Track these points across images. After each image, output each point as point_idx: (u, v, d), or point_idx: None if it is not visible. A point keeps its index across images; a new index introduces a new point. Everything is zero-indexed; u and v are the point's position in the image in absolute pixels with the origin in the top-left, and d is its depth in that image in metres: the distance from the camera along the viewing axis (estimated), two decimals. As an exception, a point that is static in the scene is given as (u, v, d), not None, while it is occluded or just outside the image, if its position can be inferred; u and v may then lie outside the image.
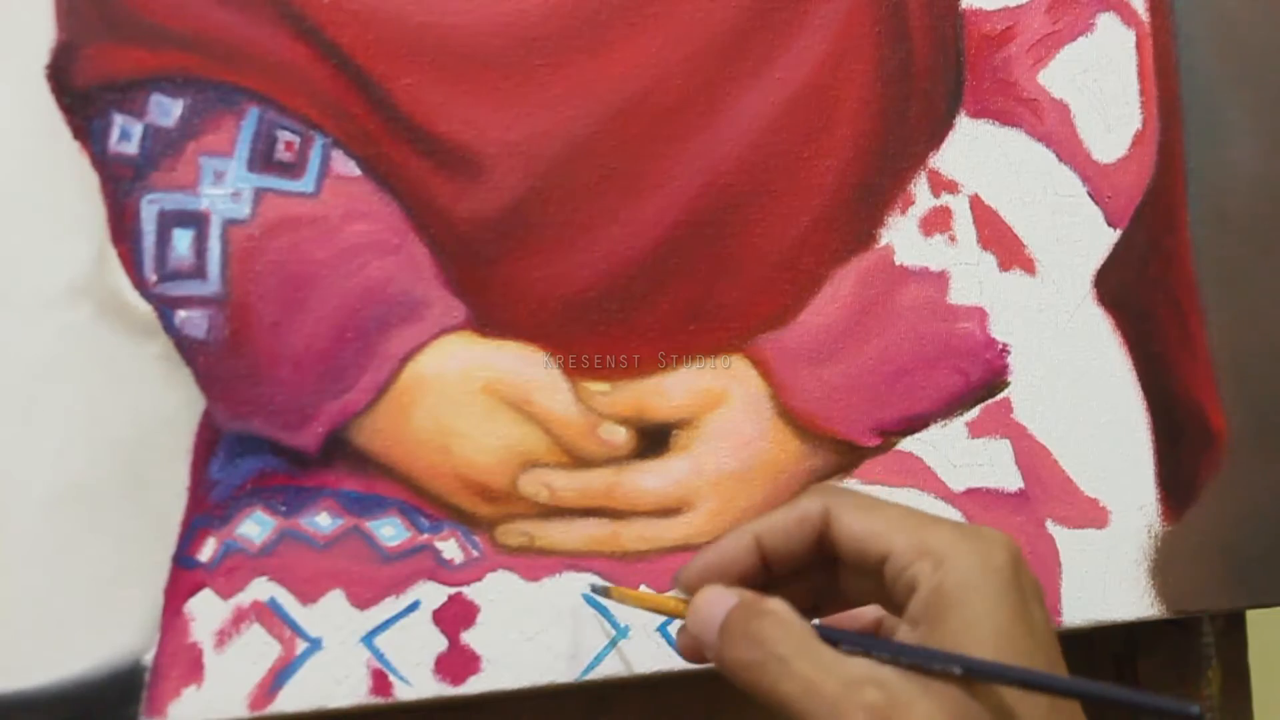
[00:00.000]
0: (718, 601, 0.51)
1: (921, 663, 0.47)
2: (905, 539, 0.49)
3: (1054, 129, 0.70)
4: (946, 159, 0.69)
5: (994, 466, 0.69)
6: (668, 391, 0.65)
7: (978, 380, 0.69)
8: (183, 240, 0.61)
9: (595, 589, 0.62)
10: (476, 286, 0.63)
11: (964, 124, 0.69)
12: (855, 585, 0.52)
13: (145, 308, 0.60)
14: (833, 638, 0.49)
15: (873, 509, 0.51)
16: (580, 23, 0.65)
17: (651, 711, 0.68)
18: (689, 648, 0.53)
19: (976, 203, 0.69)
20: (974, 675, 0.46)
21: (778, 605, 0.50)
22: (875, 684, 0.46)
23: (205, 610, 0.60)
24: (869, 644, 0.49)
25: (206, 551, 0.60)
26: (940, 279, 0.68)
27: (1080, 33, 0.71)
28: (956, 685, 0.46)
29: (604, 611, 0.63)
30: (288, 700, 0.60)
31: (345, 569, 0.61)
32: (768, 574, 0.53)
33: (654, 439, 0.65)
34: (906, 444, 0.68)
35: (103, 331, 0.60)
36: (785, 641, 0.48)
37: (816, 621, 0.51)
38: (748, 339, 0.66)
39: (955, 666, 0.46)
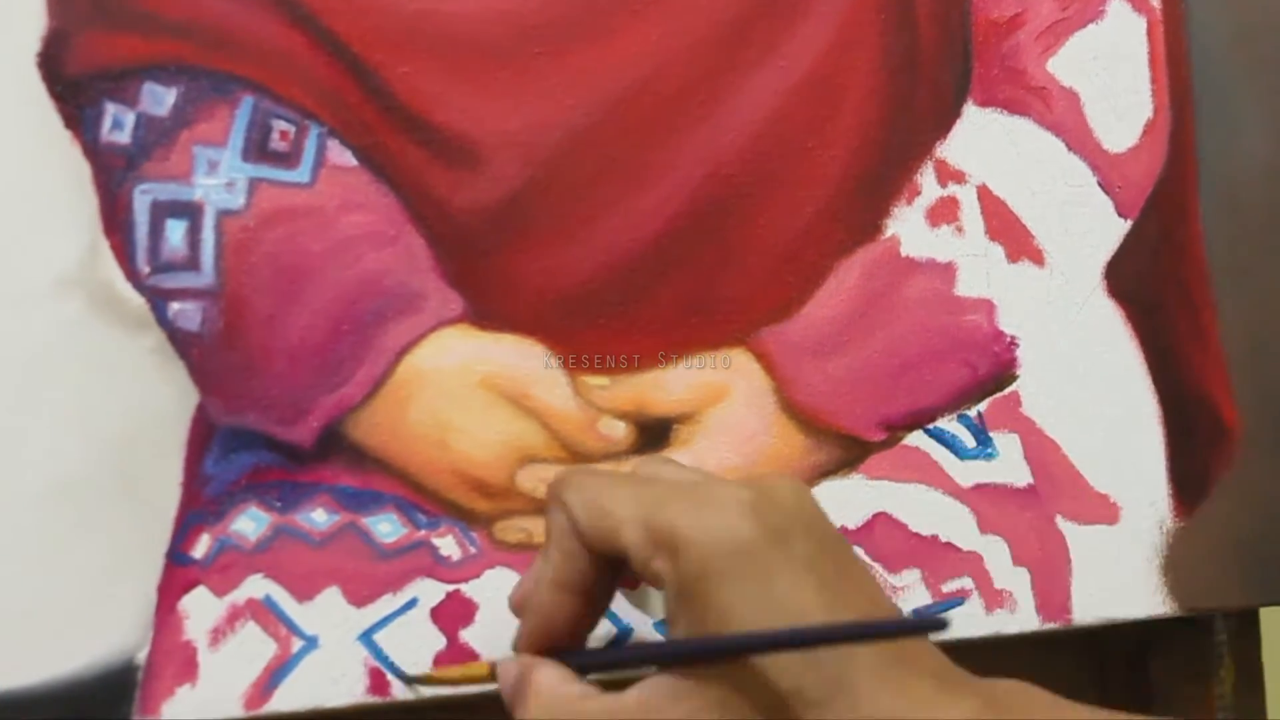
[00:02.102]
0: (503, 680, 0.54)
1: (667, 660, 0.48)
2: (634, 533, 0.48)
3: (1063, 118, 0.69)
4: (953, 148, 0.68)
5: (1003, 461, 0.68)
6: (668, 385, 0.64)
7: (985, 373, 0.68)
8: (176, 231, 0.60)
9: (406, 680, 0.61)
10: (474, 279, 0.63)
11: (971, 113, 0.68)
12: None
13: (138, 300, 0.60)
14: (582, 665, 0.52)
15: (598, 498, 0.50)
16: (580, 10, 0.64)
17: None
18: None
19: (984, 193, 0.68)
20: (711, 656, 0.46)
21: (541, 678, 0.51)
22: (644, 708, 0.47)
23: (199, 608, 0.59)
24: (615, 659, 0.54)
25: (200, 548, 0.59)
26: (947, 270, 0.67)
27: (1090, 19, 0.70)
28: (710, 678, 0.46)
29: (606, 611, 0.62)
30: (284, 700, 0.59)
31: (341, 566, 0.60)
32: (595, 607, 0.53)
33: (654, 434, 0.64)
34: (913, 438, 0.67)
35: (95, 324, 0.59)
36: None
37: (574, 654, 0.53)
38: (750, 332, 0.65)
39: (692, 657, 0.46)
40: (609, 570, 0.52)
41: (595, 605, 0.53)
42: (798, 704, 0.45)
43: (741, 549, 0.46)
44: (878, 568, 0.65)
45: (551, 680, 0.51)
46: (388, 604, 0.61)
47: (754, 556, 0.46)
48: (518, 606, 0.55)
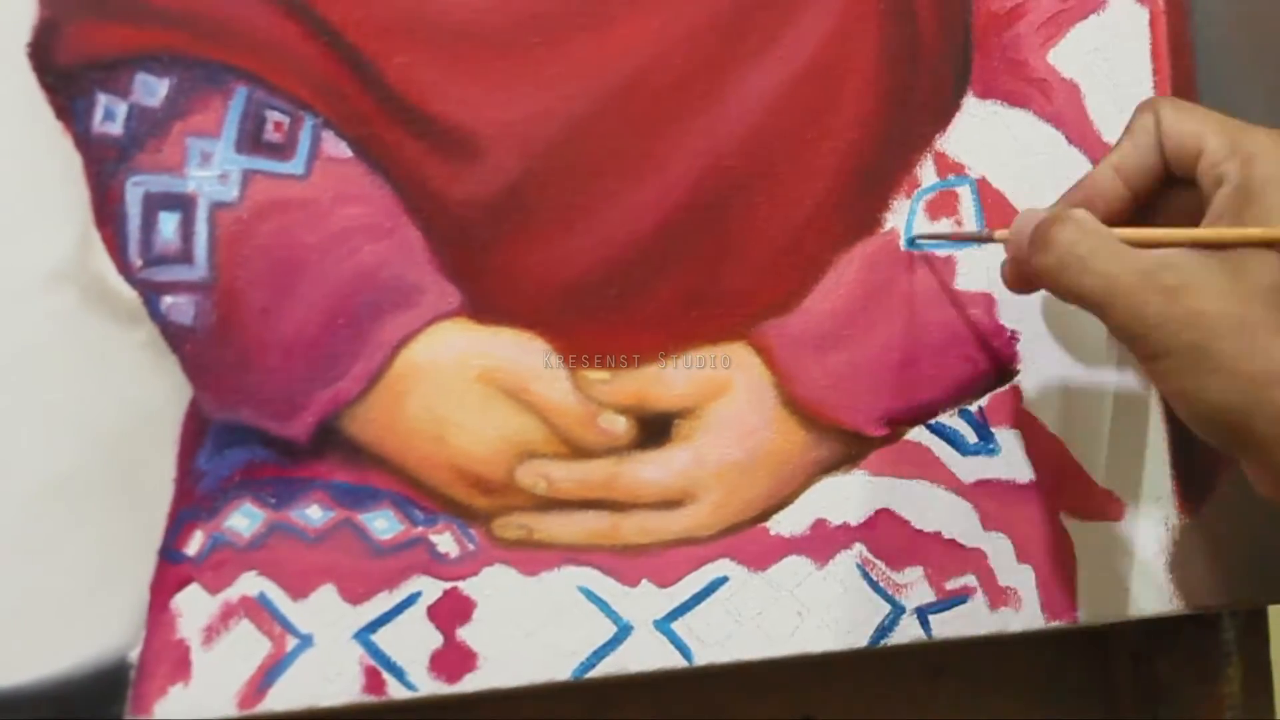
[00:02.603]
0: (1029, 218, 0.58)
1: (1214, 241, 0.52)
2: (1219, 139, 0.54)
3: (1064, 110, 0.69)
4: (953, 141, 0.67)
5: (1005, 457, 0.67)
6: (669, 380, 0.63)
7: (986, 368, 0.67)
8: (169, 223, 0.59)
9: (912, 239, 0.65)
10: (472, 272, 0.62)
11: (971, 105, 0.68)
12: (1184, 201, 0.57)
13: (130, 293, 0.59)
14: (1131, 240, 0.55)
15: (1192, 110, 0.57)
16: None
17: (654, 711, 0.67)
18: (1012, 275, 0.62)
19: (983, 185, 0.67)
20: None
21: (1079, 213, 0.56)
22: (1171, 269, 0.52)
23: (192, 606, 0.58)
24: (1151, 238, 0.54)
25: (194, 545, 0.59)
26: (947, 264, 0.67)
27: (1091, 10, 0.69)
28: (1251, 257, 0.51)
29: (605, 607, 0.62)
30: (278, 699, 0.58)
31: (337, 563, 0.60)
32: (1136, 204, 0.59)
33: (655, 429, 0.63)
34: (915, 434, 0.66)
35: (86, 318, 0.58)
36: (1084, 243, 0.54)
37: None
38: (751, 326, 0.64)
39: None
40: (1161, 179, 0.58)
41: (1134, 200, 0.58)
42: None
43: None
44: (880, 565, 0.65)
45: (1089, 218, 0.55)
46: (384, 602, 0.60)
47: None
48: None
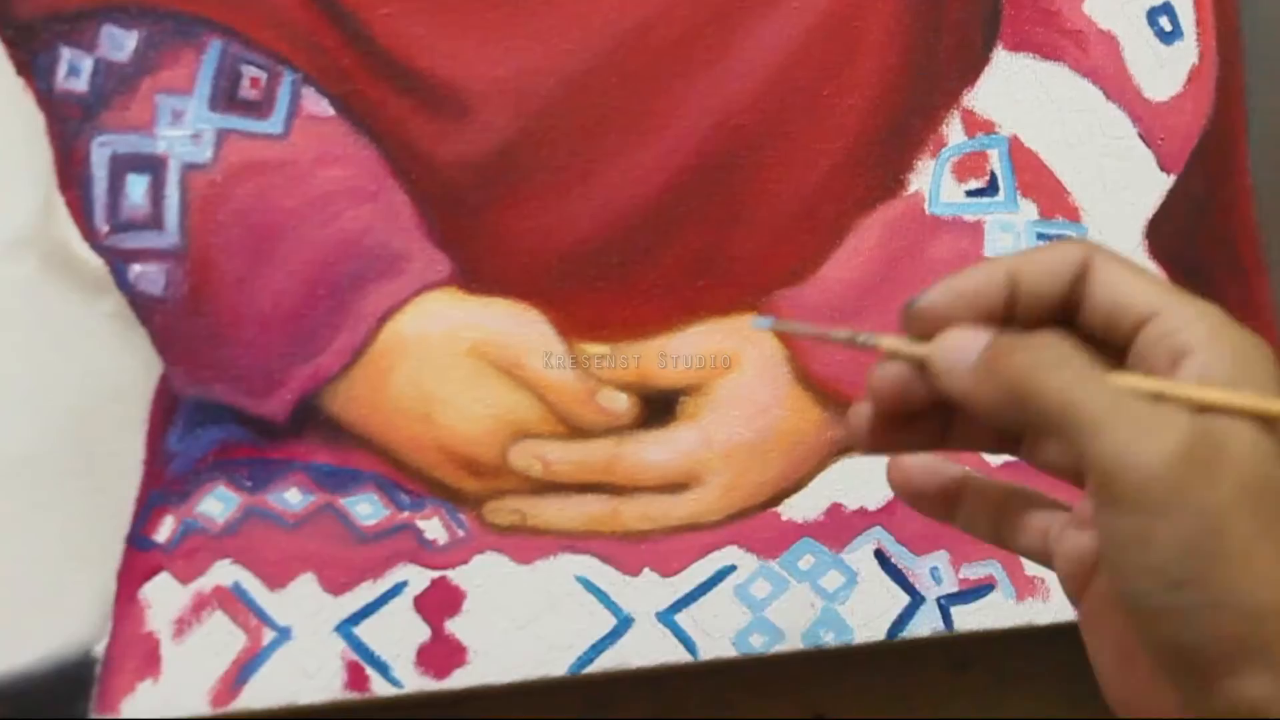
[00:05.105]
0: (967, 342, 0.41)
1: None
2: (1179, 304, 0.43)
3: (1101, 64, 0.66)
4: (982, 97, 0.65)
5: (1035, 437, 0.64)
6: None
7: (1017, 342, 0.64)
8: (137, 187, 0.57)
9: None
10: (462, 238, 0.60)
11: (1001, 58, 0.65)
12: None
13: (96, 261, 0.57)
14: None
15: (1141, 271, 0.47)
16: (576, -54, 0.61)
17: (656, 709, 0.65)
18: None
19: (1015, 145, 0.65)
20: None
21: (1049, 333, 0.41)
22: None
23: (162, 596, 0.57)
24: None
25: (164, 531, 0.57)
26: (975, 229, 0.64)
27: (1130, -44, 0.67)
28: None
29: (604, 597, 0.60)
30: (254, 696, 0.57)
31: (317, 550, 0.58)
32: (1007, 324, 0.44)
33: (659, 407, 0.61)
34: (938, 413, 0.63)
35: (49, 288, 0.57)
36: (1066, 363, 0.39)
37: None
38: (763, 296, 0.62)
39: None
40: (1046, 315, 0.42)
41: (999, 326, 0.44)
42: None
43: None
44: (899, 552, 0.62)
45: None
46: (367, 592, 0.58)
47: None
48: None
